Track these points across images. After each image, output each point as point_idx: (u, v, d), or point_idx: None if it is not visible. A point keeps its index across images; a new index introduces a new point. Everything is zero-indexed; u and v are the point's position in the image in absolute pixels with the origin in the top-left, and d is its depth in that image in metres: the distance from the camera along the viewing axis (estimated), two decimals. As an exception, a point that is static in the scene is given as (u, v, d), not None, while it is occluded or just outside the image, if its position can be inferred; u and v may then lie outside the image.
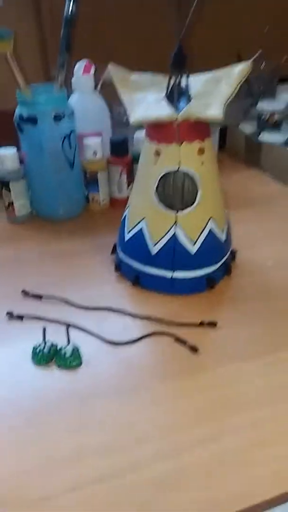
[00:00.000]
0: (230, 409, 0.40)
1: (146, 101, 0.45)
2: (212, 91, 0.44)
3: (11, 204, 0.72)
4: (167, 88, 0.46)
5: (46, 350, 0.46)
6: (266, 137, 0.87)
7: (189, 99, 0.45)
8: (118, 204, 0.75)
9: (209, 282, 0.54)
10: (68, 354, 0.45)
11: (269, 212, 0.73)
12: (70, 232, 0.70)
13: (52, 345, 0.47)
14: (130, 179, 0.73)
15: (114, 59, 0.49)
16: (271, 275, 0.57)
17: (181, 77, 0.45)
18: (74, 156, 0.69)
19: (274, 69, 0.99)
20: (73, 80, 0.73)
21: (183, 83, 0.45)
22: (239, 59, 0.47)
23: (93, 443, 0.38)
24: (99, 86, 0.78)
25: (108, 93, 0.52)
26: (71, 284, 0.57)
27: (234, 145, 0.94)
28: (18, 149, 0.69)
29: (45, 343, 0.46)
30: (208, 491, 0.34)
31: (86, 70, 0.71)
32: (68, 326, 0.47)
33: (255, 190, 0.81)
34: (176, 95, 0.45)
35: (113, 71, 0.47)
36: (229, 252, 0.56)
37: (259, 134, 0.89)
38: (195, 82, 0.46)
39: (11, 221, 0.73)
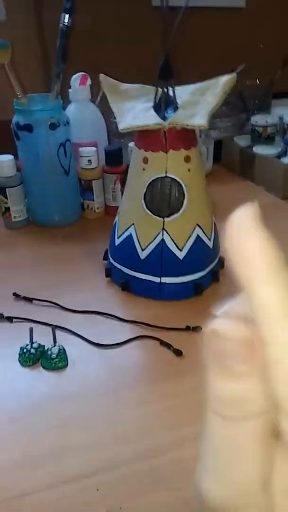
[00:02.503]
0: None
1: (135, 110, 0.47)
2: (198, 101, 0.46)
3: (7, 209, 0.73)
4: (155, 98, 0.47)
5: (32, 350, 0.47)
6: (260, 150, 0.89)
7: (176, 108, 0.47)
8: (112, 212, 0.76)
9: (197, 288, 0.55)
10: (54, 355, 0.46)
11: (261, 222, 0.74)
12: (65, 238, 0.71)
13: (39, 346, 0.47)
14: (124, 188, 0.75)
15: (109, 72, 0.51)
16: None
17: (168, 87, 0.47)
18: (70, 164, 0.71)
19: (268, 85, 1.01)
20: (70, 91, 0.75)
21: (170, 94, 0.47)
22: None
23: (74, 442, 0.38)
24: (98, 98, 0.80)
25: (106, 104, 0.54)
26: (62, 288, 0.58)
27: (229, 157, 0.96)
28: (16, 158, 0.71)
29: (31, 344, 0.47)
30: (180, 492, 0.34)
31: (83, 81, 0.73)
32: (54, 327, 0.48)
33: (248, 201, 0.82)
34: (163, 105, 0.47)
35: (104, 81, 0.49)
36: (217, 259, 0.57)
37: (253, 147, 0.91)
38: (183, 92, 0.48)
39: (7, 227, 0.75)
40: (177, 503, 0.33)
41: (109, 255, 0.59)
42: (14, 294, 0.56)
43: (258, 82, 1.01)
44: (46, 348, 0.47)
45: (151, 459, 0.36)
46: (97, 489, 0.34)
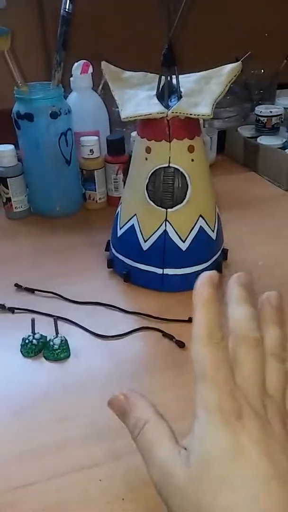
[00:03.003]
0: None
1: (138, 98, 0.46)
2: (202, 90, 0.45)
3: (9, 200, 0.73)
4: (158, 86, 0.46)
5: (34, 341, 0.46)
6: (264, 140, 0.88)
7: (179, 97, 0.46)
8: (115, 202, 0.76)
9: (200, 280, 0.54)
10: (56, 346, 0.46)
11: (263, 213, 0.74)
12: (66, 229, 0.71)
13: (41, 336, 0.47)
14: (127, 178, 0.74)
15: (111, 59, 0.50)
16: (261, 275, 0.58)
17: (171, 76, 0.46)
18: (71, 153, 0.70)
19: (273, 75, 1.00)
20: (71, 79, 0.74)
21: (174, 82, 0.46)
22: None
23: (76, 433, 0.38)
24: (100, 87, 0.79)
25: (108, 93, 0.54)
26: (64, 279, 0.58)
27: (232, 148, 0.95)
28: (17, 148, 0.70)
29: (33, 335, 0.47)
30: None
31: (84, 70, 0.72)
32: (56, 318, 0.48)
33: (251, 192, 0.81)
34: (166, 93, 0.46)
35: (106, 68, 0.48)
36: (220, 251, 0.57)
37: (257, 137, 0.90)
38: (186, 80, 0.47)
39: (9, 217, 0.74)
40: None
41: (111, 246, 0.58)
42: (16, 285, 0.56)
43: (262, 71, 1.00)
44: (48, 339, 0.47)
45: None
46: (100, 480, 0.34)
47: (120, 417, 0.26)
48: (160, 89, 0.47)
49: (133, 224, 0.53)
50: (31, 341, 0.46)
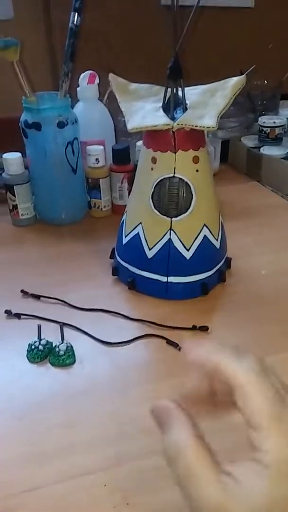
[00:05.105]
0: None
1: (144, 110, 0.47)
2: (208, 102, 0.46)
3: (15, 207, 0.74)
4: (164, 98, 0.48)
5: (40, 347, 0.47)
6: (267, 150, 0.89)
7: (185, 109, 0.47)
8: (119, 211, 0.77)
9: (203, 288, 0.55)
10: (61, 352, 0.47)
11: (267, 222, 0.74)
12: (72, 236, 0.71)
13: (47, 342, 0.48)
14: (131, 186, 0.75)
15: (118, 71, 0.52)
16: (264, 284, 0.58)
17: (177, 88, 0.47)
18: (77, 162, 0.71)
19: (276, 86, 1.01)
20: (78, 89, 0.75)
21: (179, 94, 0.47)
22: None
23: (81, 438, 0.38)
24: (106, 97, 0.81)
25: (113, 103, 0.55)
26: (70, 286, 0.59)
27: (236, 158, 0.96)
28: (24, 156, 0.71)
29: (40, 341, 0.48)
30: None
31: (91, 80, 0.73)
32: (62, 324, 0.49)
33: (254, 201, 0.82)
34: (172, 105, 0.47)
35: (113, 81, 0.49)
36: (223, 260, 0.58)
37: (261, 147, 0.91)
38: (192, 93, 0.48)
39: (15, 224, 0.75)
40: (183, 499, 0.33)
41: (116, 254, 0.59)
42: (22, 291, 0.57)
43: (266, 82, 1.01)
44: (54, 345, 0.47)
45: (157, 456, 0.37)
46: (104, 485, 0.35)
47: (158, 426, 0.25)
48: (166, 101, 0.48)
49: (138, 233, 0.53)
50: (37, 347, 0.47)
